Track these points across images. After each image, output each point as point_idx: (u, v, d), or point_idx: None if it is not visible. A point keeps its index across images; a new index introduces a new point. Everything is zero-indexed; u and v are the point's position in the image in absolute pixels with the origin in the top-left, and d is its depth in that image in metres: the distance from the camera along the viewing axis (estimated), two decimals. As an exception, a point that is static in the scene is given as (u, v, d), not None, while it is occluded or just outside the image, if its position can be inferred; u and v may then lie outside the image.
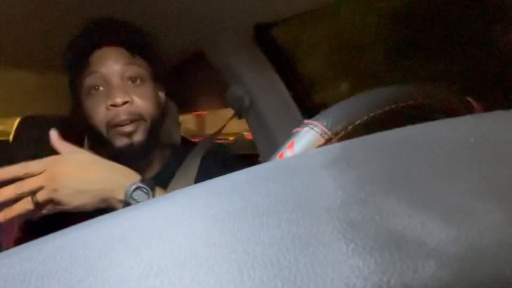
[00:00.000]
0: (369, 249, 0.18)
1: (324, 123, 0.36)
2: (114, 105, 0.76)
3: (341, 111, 0.37)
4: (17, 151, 1.29)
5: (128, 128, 0.77)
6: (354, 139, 0.26)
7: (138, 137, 0.78)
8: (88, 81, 0.79)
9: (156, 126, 0.82)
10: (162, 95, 0.88)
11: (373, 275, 0.17)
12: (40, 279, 0.19)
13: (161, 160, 0.89)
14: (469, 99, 0.40)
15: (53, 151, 0.69)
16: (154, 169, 0.87)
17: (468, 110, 0.39)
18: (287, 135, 0.38)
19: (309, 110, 1.08)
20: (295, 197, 0.21)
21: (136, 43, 0.82)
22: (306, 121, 0.37)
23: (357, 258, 0.17)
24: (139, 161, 0.82)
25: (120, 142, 0.77)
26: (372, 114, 0.36)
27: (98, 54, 0.79)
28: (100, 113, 0.77)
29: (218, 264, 0.18)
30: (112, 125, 0.77)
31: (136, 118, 0.77)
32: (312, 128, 0.36)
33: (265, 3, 0.90)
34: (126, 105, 0.76)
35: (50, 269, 0.19)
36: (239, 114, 1.11)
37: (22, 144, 1.30)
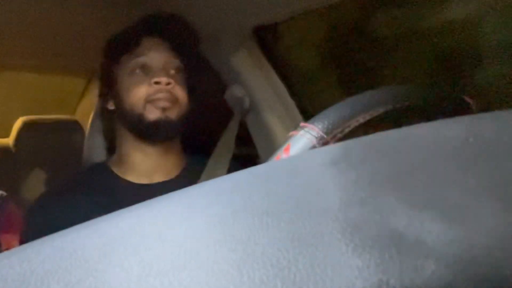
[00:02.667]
0: (368, 249, 0.18)
1: (320, 126, 0.36)
2: (158, 83, 0.81)
3: (337, 114, 0.37)
4: (17, 154, 1.29)
5: (164, 103, 0.82)
6: (353, 139, 0.26)
7: (171, 115, 0.83)
8: (135, 61, 0.84)
9: (185, 117, 0.86)
10: (193, 93, 0.91)
11: (373, 275, 0.17)
12: (40, 279, 0.19)
13: (176, 164, 0.91)
14: (466, 98, 0.40)
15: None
16: (172, 172, 0.89)
17: (466, 110, 0.39)
18: (287, 136, 0.38)
19: (309, 111, 1.08)
20: (295, 197, 0.21)
21: (181, 39, 0.88)
22: (302, 124, 0.37)
23: (356, 258, 0.17)
24: (166, 139, 0.86)
25: (154, 114, 0.82)
26: (368, 116, 0.36)
27: (148, 40, 0.86)
28: (141, 88, 0.82)
29: (217, 264, 0.18)
30: (150, 100, 0.82)
31: (173, 100, 0.83)
32: (308, 132, 0.36)
33: (265, 4, 0.90)
34: (169, 86, 0.82)
35: (49, 270, 0.19)
36: (239, 115, 1.11)
37: (22, 147, 1.29)
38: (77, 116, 1.45)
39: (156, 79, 0.82)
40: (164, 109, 0.82)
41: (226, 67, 1.09)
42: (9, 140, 1.34)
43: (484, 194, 0.21)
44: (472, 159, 0.23)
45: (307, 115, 1.07)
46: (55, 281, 0.18)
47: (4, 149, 1.32)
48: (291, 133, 0.37)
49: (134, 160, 0.87)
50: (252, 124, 1.12)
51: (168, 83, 0.82)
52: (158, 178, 0.87)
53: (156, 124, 0.82)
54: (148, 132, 0.84)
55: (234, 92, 1.08)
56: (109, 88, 0.89)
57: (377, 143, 0.25)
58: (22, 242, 0.85)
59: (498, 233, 0.19)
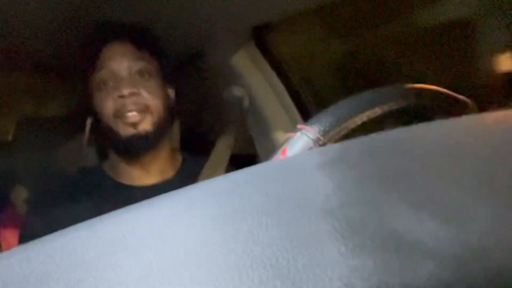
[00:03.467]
0: (367, 249, 0.18)
1: (317, 128, 0.36)
2: (121, 96, 0.77)
3: (334, 115, 0.37)
4: (16, 151, 1.28)
5: (133, 118, 0.78)
6: (352, 140, 0.26)
7: (144, 127, 0.79)
8: (98, 76, 0.81)
9: (164, 122, 0.83)
10: (171, 92, 0.88)
11: (372, 275, 0.17)
12: (39, 279, 0.19)
13: (173, 163, 0.90)
14: (465, 99, 0.40)
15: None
16: (167, 173, 0.88)
17: (465, 110, 0.39)
18: (286, 136, 0.38)
19: (308, 111, 1.08)
20: (294, 198, 0.21)
21: (143, 38, 0.84)
22: (299, 126, 0.37)
23: (355, 258, 0.17)
24: (145, 154, 0.82)
25: (126, 131, 0.79)
26: (365, 117, 0.35)
27: (108, 49, 0.81)
28: (108, 105, 0.79)
29: (217, 264, 0.18)
30: (119, 115, 0.78)
31: (143, 109, 0.79)
32: (305, 134, 0.36)
33: (264, 4, 0.90)
34: (133, 97, 0.78)
35: (49, 270, 0.19)
36: (238, 115, 1.11)
37: (21, 145, 1.29)
38: (76, 115, 1.44)
39: (118, 94, 0.78)
40: (135, 124, 0.78)
41: (225, 67, 1.09)
42: (8, 137, 1.34)
43: (483, 195, 0.21)
44: (471, 160, 0.23)
45: (307, 115, 1.07)
46: (55, 281, 0.18)
47: (3, 147, 1.32)
48: (288, 135, 0.37)
49: (121, 167, 0.86)
50: (251, 125, 1.12)
51: (132, 94, 0.78)
52: (153, 179, 0.86)
53: (130, 141, 0.79)
54: (125, 149, 0.81)
55: (234, 92, 1.08)
56: (90, 101, 0.86)
57: (375, 144, 0.25)
58: (21, 242, 0.85)
59: (497, 233, 0.19)
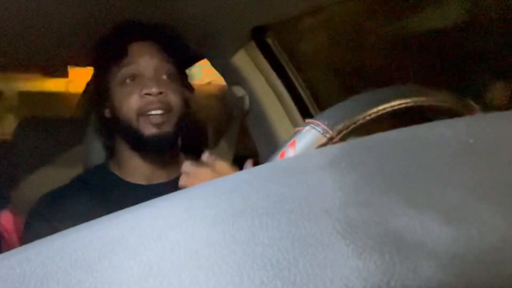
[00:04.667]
0: (368, 250, 0.18)
1: (326, 122, 0.36)
2: (149, 94, 0.79)
3: (343, 110, 0.37)
4: (17, 152, 1.29)
5: (158, 119, 0.80)
6: (353, 140, 0.26)
7: (167, 128, 0.81)
8: (124, 71, 0.82)
9: (183, 122, 0.84)
10: (189, 94, 0.89)
11: (373, 276, 0.17)
12: (40, 280, 0.19)
13: (178, 163, 0.89)
14: (468, 100, 0.40)
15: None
16: (172, 174, 0.88)
17: (468, 111, 0.39)
18: (287, 136, 0.38)
19: (309, 111, 1.08)
20: (295, 198, 0.21)
21: (170, 42, 0.86)
22: (307, 120, 0.37)
23: (356, 259, 0.17)
24: (165, 152, 0.85)
25: (149, 130, 0.80)
26: (374, 113, 0.36)
27: (136, 47, 0.83)
28: (133, 101, 0.80)
29: (217, 265, 0.18)
30: (143, 113, 0.80)
31: (167, 109, 0.80)
32: (314, 127, 0.36)
33: (264, 5, 0.90)
34: (160, 95, 0.79)
35: (49, 271, 0.19)
36: (239, 115, 1.11)
37: (22, 145, 1.29)
38: (77, 115, 1.44)
39: (146, 91, 0.79)
40: (159, 125, 0.80)
41: (225, 67, 1.09)
42: (9, 138, 1.34)
43: (484, 195, 0.21)
44: (472, 160, 0.23)
45: (307, 114, 1.07)
46: (55, 282, 0.18)
47: (4, 147, 1.32)
48: (296, 128, 0.37)
49: (133, 165, 0.87)
50: (252, 125, 1.12)
51: (160, 93, 0.79)
52: (158, 179, 0.87)
53: (153, 140, 0.81)
54: (145, 147, 0.83)
55: (234, 92, 1.08)
56: (104, 97, 0.87)
57: (377, 144, 0.25)
58: (23, 242, 0.85)
59: (498, 233, 0.19)
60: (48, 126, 1.23)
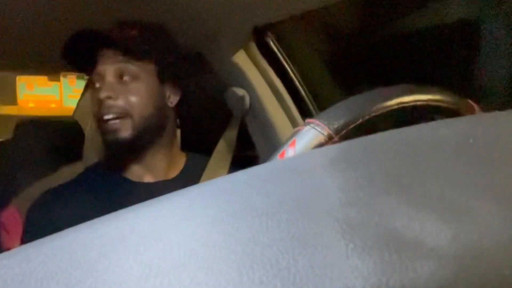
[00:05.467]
0: (368, 249, 0.18)
1: (326, 122, 0.36)
2: (99, 100, 0.79)
3: (342, 110, 0.37)
4: (15, 153, 1.29)
5: (112, 126, 0.79)
6: (353, 140, 0.26)
7: (124, 134, 0.80)
8: (92, 76, 0.83)
9: (151, 123, 0.83)
10: (168, 93, 0.88)
11: (372, 276, 0.17)
12: (40, 280, 0.19)
13: (177, 163, 0.90)
14: (469, 100, 0.40)
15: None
16: (172, 172, 0.89)
17: (468, 111, 0.39)
18: (286, 136, 0.38)
19: (308, 111, 1.08)
20: (295, 198, 0.21)
21: (131, 44, 0.84)
22: (308, 119, 0.37)
23: (356, 258, 0.17)
24: (132, 156, 0.85)
25: (108, 137, 0.81)
26: (373, 113, 0.36)
27: (101, 53, 0.83)
28: (94, 105, 0.82)
29: (217, 264, 0.18)
30: (99, 119, 0.80)
31: (121, 114, 0.80)
32: (314, 127, 0.36)
33: (264, 5, 0.90)
34: (110, 101, 0.79)
35: (49, 270, 0.19)
36: (238, 115, 1.11)
37: (20, 147, 1.29)
38: (77, 116, 1.44)
39: (97, 97, 0.80)
40: (114, 131, 0.79)
41: (225, 67, 1.09)
42: (7, 139, 1.34)
43: (483, 195, 0.21)
44: (472, 160, 0.23)
45: (306, 114, 1.07)
46: (55, 282, 0.18)
47: (2, 149, 1.32)
48: (296, 128, 0.37)
49: (126, 164, 0.87)
50: (251, 124, 1.12)
51: (107, 98, 0.79)
52: (156, 177, 0.87)
53: (110, 146, 0.82)
54: (110, 152, 0.84)
55: (234, 92, 1.08)
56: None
57: (377, 144, 0.25)
58: (23, 241, 0.85)
59: (497, 233, 0.19)
60: (46, 127, 1.23)
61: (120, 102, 0.80)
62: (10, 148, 1.26)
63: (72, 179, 0.90)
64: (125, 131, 0.80)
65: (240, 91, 1.07)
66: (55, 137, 1.20)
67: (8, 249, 0.22)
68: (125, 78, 0.82)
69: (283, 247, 0.18)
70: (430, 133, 0.26)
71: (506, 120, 0.28)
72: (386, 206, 0.20)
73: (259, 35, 1.07)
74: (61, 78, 2.02)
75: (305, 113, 1.08)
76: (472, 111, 0.39)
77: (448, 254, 0.18)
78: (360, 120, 0.36)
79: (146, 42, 0.85)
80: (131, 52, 0.83)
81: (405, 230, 0.18)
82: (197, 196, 0.23)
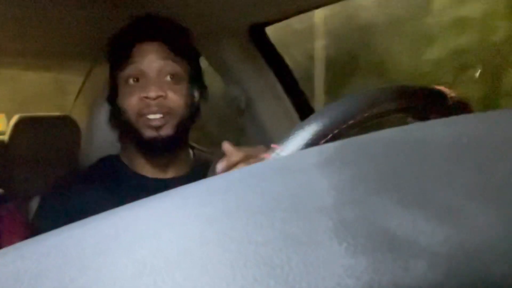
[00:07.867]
0: (361, 248, 0.18)
1: (290, 148, 0.35)
2: (147, 98, 0.78)
3: (309, 130, 0.35)
4: (13, 150, 1.28)
5: (157, 122, 0.79)
6: (347, 139, 0.26)
7: (166, 131, 0.80)
8: (127, 71, 0.82)
9: (185, 124, 0.84)
10: (197, 96, 0.88)
11: (365, 275, 0.17)
12: (34, 278, 0.19)
13: (186, 161, 0.91)
14: (460, 99, 0.40)
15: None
16: (183, 169, 0.89)
17: (460, 110, 0.39)
18: (283, 135, 0.38)
19: (307, 110, 1.08)
20: (289, 197, 0.21)
21: (178, 41, 0.84)
22: (272, 145, 0.36)
23: (349, 257, 0.18)
24: (166, 154, 0.85)
25: (148, 133, 0.80)
26: (351, 122, 0.35)
27: (140, 47, 0.82)
28: (133, 102, 0.80)
29: (211, 263, 0.18)
30: (142, 115, 0.79)
31: (167, 112, 0.80)
32: (279, 155, 0.36)
33: (261, 4, 0.90)
34: (159, 99, 0.79)
35: (43, 268, 0.19)
36: (236, 114, 1.11)
37: (18, 144, 1.29)
38: (73, 114, 1.44)
39: (144, 94, 0.79)
40: (158, 128, 0.79)
41: (222, 66, 1.09)
42: (5, 137, 1.34)
43: (476, 194, 0.21)
44: (465, 159, 0.23)
45: (304, 113, 1.08)
46: (49, 279, 0.18)
47: (0, 146, 1.32)
48: (264, 155, 0.37)
49: (139, 160, 0.87)
50: (248, 123, 1.12)
51: (158, 96, 0.78)
52: (168, 175, 0.87)
53: (151, 143, 0.81)
54: (145, 149, 0.83)
55: (231, 91, 1.08)
56: (113, 92, 0.87)
57: (370, 143, 0.25)
58: (35, 229, 0.85)
59: (490, 232, 0.19)
60: (43, 124, 1.22)
61: (167, 102, 0.80)
62: (6, 147, 1.26)
63: (85, 169, 0.90)
64: (168, 128, 0.80)
65: (237, 90, 1.08)
66: (51, 134, 1.20)
67: (4, 246, 0.22)
68: (167, 77, 0.81)
69: (277, 246, 0.18)
70: (424, 133, 0.26)
71: (500, 120, 0.28)
72: (380, 206, 0.20)
73: (256, 34, 1.07)
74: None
75: (302, 112, 1.08)
76: (464, 110, 0.39)
77: (440, 253, 0.18)
78: (336, 131, 0.34)
79: (190, 40, 0.86)
80: (179, 49, 0.83)
81: (398, 229, 0.19)
82: (191, 194, 0.23)
